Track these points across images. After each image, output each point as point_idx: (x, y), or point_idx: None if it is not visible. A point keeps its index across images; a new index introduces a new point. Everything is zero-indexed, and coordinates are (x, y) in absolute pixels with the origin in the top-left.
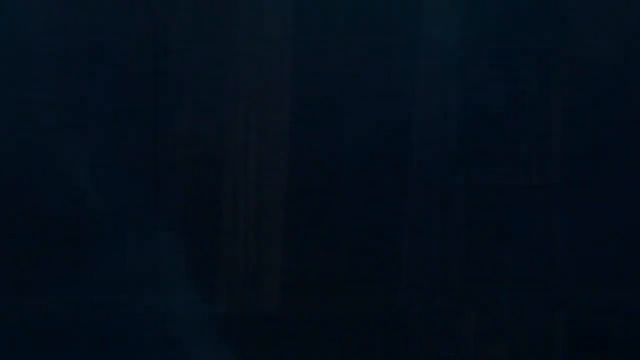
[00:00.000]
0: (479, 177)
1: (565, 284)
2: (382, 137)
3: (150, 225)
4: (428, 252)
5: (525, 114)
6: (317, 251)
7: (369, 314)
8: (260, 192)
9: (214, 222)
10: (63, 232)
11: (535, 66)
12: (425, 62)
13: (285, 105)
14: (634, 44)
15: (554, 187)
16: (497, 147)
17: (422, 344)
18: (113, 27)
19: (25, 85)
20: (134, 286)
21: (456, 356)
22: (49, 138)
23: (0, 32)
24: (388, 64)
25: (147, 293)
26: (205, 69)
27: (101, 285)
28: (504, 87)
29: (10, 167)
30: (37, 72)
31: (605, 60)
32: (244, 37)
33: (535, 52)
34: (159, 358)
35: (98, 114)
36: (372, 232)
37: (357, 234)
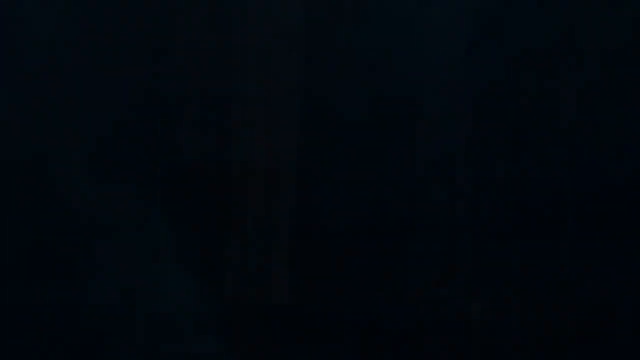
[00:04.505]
0: (487, 171)
1: (572, 277)
2: (390, 131)
3: (156, 217)
4: (435, 246)
5: (535, 106)
6: (326, 242)
7: (378, 305)
8: (269, 184)
9: (221, 212)
10: (66, 229)
11: (544, 60)
12: (434, 56)
13: (295, 98)
14: None
15: (560, 180)
16: (505, 140)
17: (430, 337)
18: (116, 20)
19: (24, 84)
20: (140, 278)
21: (462, 350)
22: (49, 137)
23: (1, 31)
24: (396, 57)
25: (153, 285)
26: (213, 62)
27: (107, 280)
28: (512, 80)
29: (9, 166)
30: (37, 72)
31: (615, 51)
32: (253, 28)
33: (544, 46)
34: (166, 351)
35: (100, 111)
36: (381, 225)
37: (365, 227)
